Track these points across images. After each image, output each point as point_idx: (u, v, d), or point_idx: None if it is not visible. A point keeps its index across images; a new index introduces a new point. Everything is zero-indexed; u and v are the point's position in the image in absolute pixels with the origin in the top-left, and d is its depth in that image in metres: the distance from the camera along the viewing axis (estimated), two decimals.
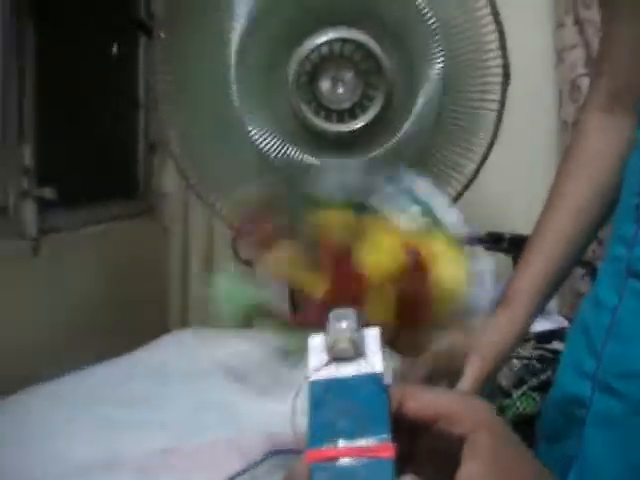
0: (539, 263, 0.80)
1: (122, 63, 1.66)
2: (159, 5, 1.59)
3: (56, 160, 1.37)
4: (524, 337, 0.83)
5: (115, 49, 1.54)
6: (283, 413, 0.86)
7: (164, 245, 1.86)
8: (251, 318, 0.78)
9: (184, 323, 1.76)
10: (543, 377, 1.34)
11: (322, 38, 1.25)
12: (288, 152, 1.30)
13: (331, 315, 0.43)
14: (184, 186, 1.82)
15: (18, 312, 1.20)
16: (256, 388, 1.06)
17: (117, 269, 1.57)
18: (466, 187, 1.38)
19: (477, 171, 1.38)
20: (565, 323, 1.47)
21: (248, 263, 1.56)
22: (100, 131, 1.59)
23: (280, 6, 1.25)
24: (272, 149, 1.30)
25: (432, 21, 1.26)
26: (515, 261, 1.60)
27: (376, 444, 0.36)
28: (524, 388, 1.34)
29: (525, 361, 1.37)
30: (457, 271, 0.70)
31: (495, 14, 1.27)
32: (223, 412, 0.96)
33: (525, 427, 0.83)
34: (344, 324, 0.42)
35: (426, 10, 1.26)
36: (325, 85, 1.28)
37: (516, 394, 1.33)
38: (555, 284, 0.83)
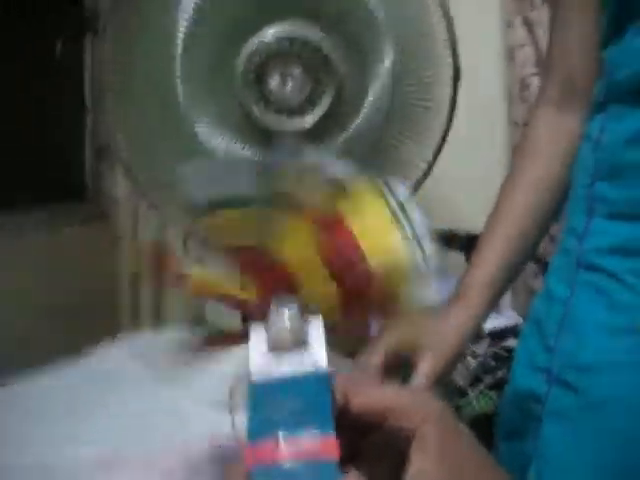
0: (490, 259, 0.81)
1: (67, 63, 1.63)
2: (104, 2, 1.56)
3: (2, 163, 1.34)
4: (477, 332, 0.83)
5: (59, 47, 1.50)
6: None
7: (115, 251, 1.82)
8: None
9: (135, 328, 1.73)
10: (499, 375, 1.35)
11: (270, 34, 1.23)
12: (237, 151, 1.28)
13: (272, 304, 0.42)
14: (133, 190, 1.80)
15: None
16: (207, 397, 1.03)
17: (65, 275, 1.54)
18: (418, 185, 1.38)
19: (429, 169, 1.37)
20: (519, 320, 1.48)
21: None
22: (46, 133, 1.56)
23: (225, 3, 1.23)
24: (221, 147, 1.27)
25: (381, 17, 1.25)
26: (468, 259, 1.61)
27: (319, 439, 0.34)
28: (480, 387, 1.34)
29: (480, 359, 1.37)
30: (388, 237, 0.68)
31: (445, 11, 1.26)
32: (172, 419, 0.92)
33: (483, 426, 0.82)
34: (286, 313, 0.41)
35: (376, 6, 1.26)
36: (273, 82, 1.26)
37: (472, 393, 1.33)
38: (507, 279, 0.83)
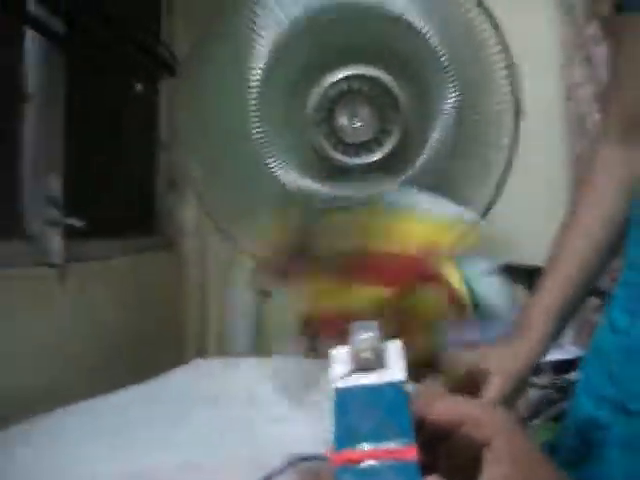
0: (554, 290, 0.81)
1: (145, 101, 1.71)
2: (182, 45, 1.65)
3: (82, 192, 1.41)
4: (538, 363, 0.84)
5: (139, 87, 1.58)
6: (301, 435, 0.88)
7: (182, 279, 1.89)
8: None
9: (201, 355, 1.78)
10: (560, 406, 1.35)
11: (340, 75, 1.29)
12: (307, 184, 1.33)
13: (354, 327, 0.44)
14: (202, 222, 1.87)
15: (43, 338, 1.22)
16: (274, 412, 1.08)
17: (138, 300, 1.60)
18: (482, 218, 1.41)
19: (492, 203, 1.40)
20: (580, 353, 1.48)
21: (266, 294, 1.60)
22: (123, 166, 1.64)
23: (299, 45, 1.30)
24: (292, 181, 1.33)
25: (445, 58, 1.30)
26: (531, 291, 1.62)
27: (400, 447, 0.37)
28: (541, 418, 1.35)
29: (542, 391, 1.38)
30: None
31: (506, 50, 1.31)
32: (243, 434, 0.97)
33: None
34: (367, 335, 0.43)
35: (439, 48, 1.30)
36: (343, 120, 1.32)
37: (534, 424, 1.34)
38: (570, 311, 0.84)
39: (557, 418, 1.34)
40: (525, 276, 1.48)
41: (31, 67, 1.23)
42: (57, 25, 1.25)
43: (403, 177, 1.34)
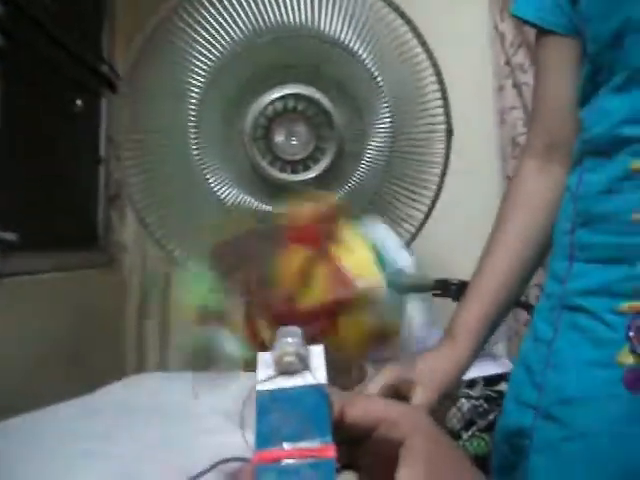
0: (478, 302, 0.85)
1: (85, 117, 1.71)
2: (121, 61, 1.66)
3: (16, 206, 1.40)
4: (464, 372, 0.85)
5: (80, 103, 1.59)
6: (234, 444, 0.89)
7: (122, 295, 1.88)
8: (203, 319, 0.81)
9: (140, 370, 1.77)
10: (491, 418, 1.39)
11: (276, 94, 1.32)
12: (245, 201, 1.36)
13: (278, 332, 0.46)
14: (142, 238, 1.87)
15: None
16: (209, 425, 1.08)
17: (74, 315, 1.58)
18: (414, 235, 1.45)
19: (425, 220, 1.45)
20: (512, 367, 1.52)
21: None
22: (61, 181, 1.63)
23: (236, 65, 1.33)
24: (230, 198, 1.35)
25: (379, 79, 1.34)
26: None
27: (318, 445, 0.39)
28: (473, 429, 1.38)
29: (474, 401, 1.41)
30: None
31: (438, 73, 1.36)
32: (177, 445, 0.97)
33: (477, 468, 0.86)
34: (290, 339, 0.45)
35: (373, 69, 1.35)
36: (279, 138, 1.35)
37: (466, 435, 1.37)
38: (495, 321, 0.87)
39: (489, 429, 1.37)
40: (457, 292, 1.52)
41: None
42: None
43: (339, 194, 1.38)
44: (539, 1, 0.83)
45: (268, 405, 0.42)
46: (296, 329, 0.47)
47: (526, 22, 0.85)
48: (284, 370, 0.44)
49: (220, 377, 1.38)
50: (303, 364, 0.44)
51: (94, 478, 0.81)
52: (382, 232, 0.92)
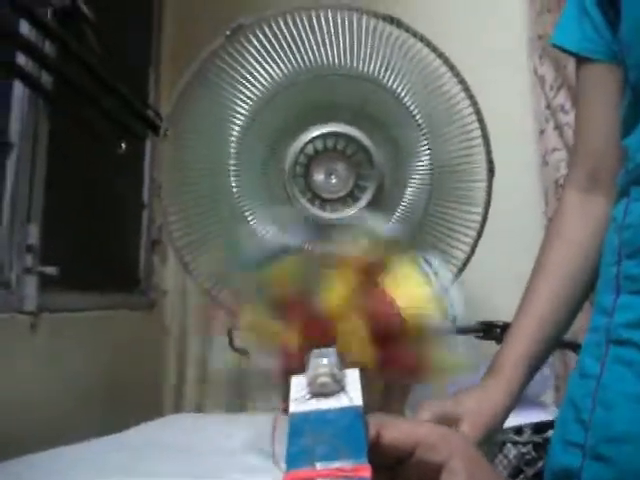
0: (521, 339, 0.83)
1: (129, 161, 1.75)
2: (165, 106, 1.70)
3: (61, 243, 1.42)
4: (511, 408, 0.83)
5: (124, 146, 1.62)
6: None
7: (162, 338, 1.88)
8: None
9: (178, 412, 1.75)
10: (539, 465, 1.33)
11: (316, 132, 1.33)
12: (285, 240, 1.35)
13: (312, 354, 0.45)
14: (183, 284, 1.88)
15: (14, 385, 1.21)
16: (245, 463, 1.06)
17: (113, 355, 1.59)
18: (455, 277, 1.42)
19: (467, 261, 1.42)
20: None
21: (243, 352, 1.59)
22: (105, 223, 1.66)
23: (277, 104, 1.34)
24: (270, 237, 1.35)
25: (419, 116, 1.34)
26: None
27: (353, 466, 0.37)
28: (521, 477, 1.33)
29: (521, 448, 1.36)
30: (421, 295, 0.71)
31: (478, 113, 1.36)
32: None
33: None
34: (325, 360, 0.43)
35: (415, 110, 1.36)
36: (319, 176, 1.36)
37: None
38: (540, 357, 0.85)
39: (536, 476, 1.32)
40: (501, 333, 1.48)
41: (16, 117, 1.27)
42: (44, 77, 1.29)
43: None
44: (579, 30, 0.82)
45: (301, 426, 0.40)
46: (331, 350, 0.46)
47: (566, 51, 0.84)
48: (318, 391, 0.42)
49: (254, 417, 1.37)
50: (338, 385, 0.43)
51: None
52: (438, 267, 0.90)
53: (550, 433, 1.40)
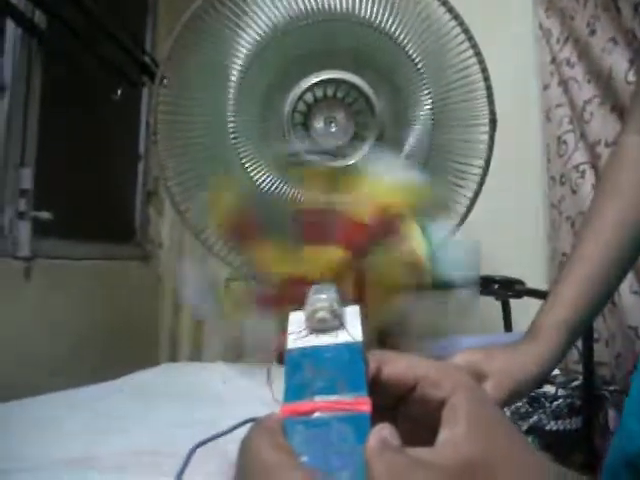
0: (567, 302, 0.75)
1: (125, 109, 1.72)
2: (162, 53, 1.66)
3: (55, 190, 1.40)
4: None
5: (119, 92, 1.59)
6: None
7: (157, 289, 1.87)
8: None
9: (173, 361, 1.76)
10: (532, 420, 1.33)
11: (315, 79, 1.30)
12: (283, 188, 1.33)
13: (311, 289, 0.43)
14: (179, 235, 1.87)
15: (7, 331, 1.20)
16: (241, 412, 1.05)
17: (105, 305, 1.58)
18: (456, 229, 1.41)
19: (466, 214, 1.40)
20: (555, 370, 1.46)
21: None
22: (100, 173, 1.63)
23: (276, 50, 1.31)
24: (268, 185, 1.33)
25: (423, 66, 1.31)
26: (504, 304, 1.62)
27: (352, 399, 0.36)
28: None
29: (514, 405, 1.36)
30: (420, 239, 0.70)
31: (481, 61, 1.33)
32: (207, 428, 0.95)
33: None
34: (324, 295, 0.42)
35: (416, 57, 1.33)
36: (318, 124, 1.33)
37: None
38: (584, 322, 0.77)
39: (528, 432, 1.32)
40: (499, 289, 1.47)
41: (8, 58, 1.24)
42: (38, 17, 1.26)
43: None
44: None
45: (299, 361, 0.39)
46: (330, 285, 0.44)
47: None
48: (316, 327, 0.41)
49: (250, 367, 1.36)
50: (337, 321, 0.41)
51: (112, 451, 0.79)
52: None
53: (547, 388, 1.40)
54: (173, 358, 1.82)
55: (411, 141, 1.35)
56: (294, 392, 0.37)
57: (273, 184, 1.33)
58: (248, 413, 1.04)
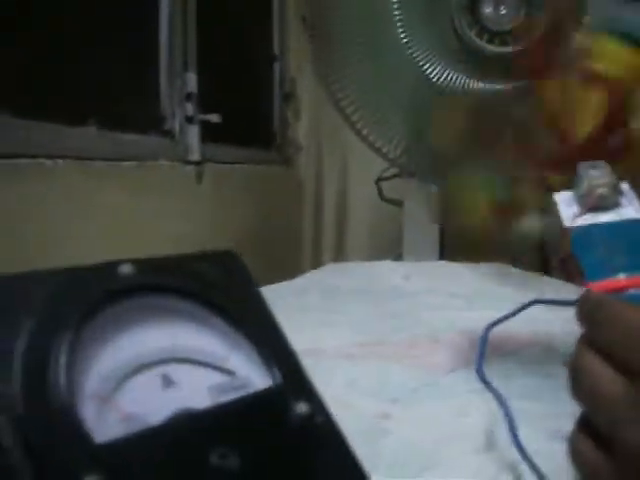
0: None
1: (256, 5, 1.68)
2: None
3: (217, 93, 1.40)
4: None
5: None
6: (470, 318, 0.83)
7: (299, 196, 1.87)
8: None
9: (315, 264, 1.75)
10: None
11: None
12: (450, 75, 1.28)
13: (580, 167, 0.40)
14: (318, 138, 1.84)
15: (180, 231, 1.22)
16: (430, 302, 1.04)
17: (259, 207, 1.59)
18: None
19: None
20: None
21: (394, 202, 1.56)
22: (245, 75, 1.61)
23: None
24: (434, 72, 1.28)
25: None
26: None
27: None
28: None
29: None
30: None
31: None
32: (407, 319, 0.94)
33: None
34: (599, 172, 0.39)
35: None
36: (487, 7, 1.26)
37: None
38: None
39: None
40: None
41: None
42: None
43: None
44: None
45: (587, 240, 0.37)
46: (600, 162, 0.41)
47: None
48: (595, 205, 0.38)
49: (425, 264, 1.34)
50: (616, 198, 0.39)
51: (331, 345, 0.78)
52: None
53: None
54: (315, 264, 1.83)
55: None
56: (594, 270, 0.35)
57: (439, 71, 1.27)
58: (439, 303, 1.03)
